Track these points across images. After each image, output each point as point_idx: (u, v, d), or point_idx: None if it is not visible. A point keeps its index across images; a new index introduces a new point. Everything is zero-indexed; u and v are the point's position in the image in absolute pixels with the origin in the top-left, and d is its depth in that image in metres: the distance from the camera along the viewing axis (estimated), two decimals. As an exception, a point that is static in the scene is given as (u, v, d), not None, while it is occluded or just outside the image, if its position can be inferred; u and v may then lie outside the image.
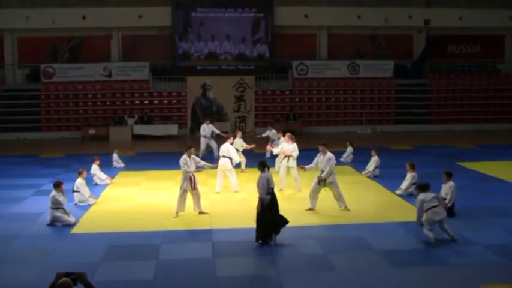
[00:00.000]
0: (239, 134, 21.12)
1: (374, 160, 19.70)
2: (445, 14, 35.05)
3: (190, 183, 14.46)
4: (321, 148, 15.12)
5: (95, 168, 18.69)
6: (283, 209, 15.04)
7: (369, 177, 19.35)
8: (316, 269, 10.79)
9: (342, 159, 21.92)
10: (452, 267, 10.76)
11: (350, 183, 18.28)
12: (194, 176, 14.60)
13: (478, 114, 34.88)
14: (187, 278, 10.49)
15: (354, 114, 34.71)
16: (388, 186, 17.54)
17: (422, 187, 12.59)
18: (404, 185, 16.68)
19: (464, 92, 35.60)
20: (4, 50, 34.05)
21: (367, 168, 19.88)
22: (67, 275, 8.71)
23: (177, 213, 14.50)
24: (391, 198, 16.44)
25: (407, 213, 14.53)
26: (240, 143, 20.50)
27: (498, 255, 11.29)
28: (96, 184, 18.41)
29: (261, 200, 12.27)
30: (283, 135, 18.84)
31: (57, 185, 14.07)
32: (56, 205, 13.81)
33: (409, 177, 16.59)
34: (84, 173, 16.47)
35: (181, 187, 14.58)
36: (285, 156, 17.45)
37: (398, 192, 16.67)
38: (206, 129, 24.20)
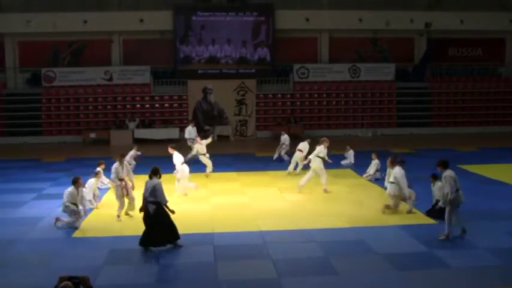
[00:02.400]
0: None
1: (375, 163, 19.76)
2: (446, 17, 35.05)
3: (124, 191, 14.80)
4: (389, 163, 15.36)
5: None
6: (287, 213, 15.04)
7: (370, 180, 19.35)
8: (318, 273, 10.77)
9: (343, 163, 21.94)
10: (453, 270, 10.75)
11: (351, 187, 18.32)
12: (126, 183, 14.91)
13: (479, 117, 34.86)
14: (189, 282, 10.48)
15: (355, 117, 34.70)
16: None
17: (446, 163, 12.51)
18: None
19: (465, 95, 35.60)
20: (5, 54, 34.08)
21: (368, 171, 19.90)
22: (70, 278, 8.73)
23: (118, 217, 14.66)
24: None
25: (409, 216, 14.54)
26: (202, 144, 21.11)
27: (500, 258, 11.26)
28: (99, 188, 18.39)
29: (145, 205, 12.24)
30: None
31: (75, 181, 14.33)
32: (71, 200, 14.02)
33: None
34: (100, 175, 17.20)
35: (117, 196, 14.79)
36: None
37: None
38: (192, 132, 23.99)
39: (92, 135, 31.70)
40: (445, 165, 12.44)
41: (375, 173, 19.63)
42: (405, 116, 34.63)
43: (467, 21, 35.02)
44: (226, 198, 16.94)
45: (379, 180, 19.15)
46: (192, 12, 34.15)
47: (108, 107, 33.56)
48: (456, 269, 10.80)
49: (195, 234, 13.23)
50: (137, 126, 32.21)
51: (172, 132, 32.18)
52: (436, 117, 35.09)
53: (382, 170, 19.34)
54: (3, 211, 15.65)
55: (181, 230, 13.48)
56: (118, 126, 32.10)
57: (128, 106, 33.71)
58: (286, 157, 22.83)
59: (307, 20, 34.34)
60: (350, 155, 22.66)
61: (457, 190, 12.29)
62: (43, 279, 10.28)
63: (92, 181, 16.32)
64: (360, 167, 21.10)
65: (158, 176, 12.57)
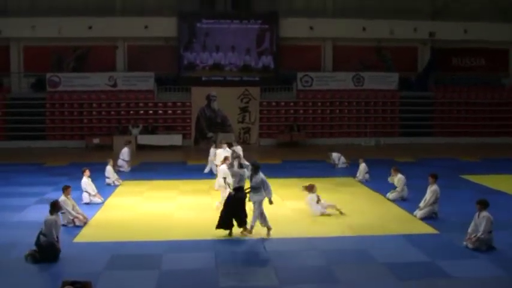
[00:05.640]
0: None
1: (363, 167, 20.95)
2: (450, 27, 35.13)
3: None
4: (430, 180, 15.49)
5: (108, 170, 20.19)
6: (288, 221, 14.99)
7: (360, 182, 20.52)
8: (319, 281, 10.75)
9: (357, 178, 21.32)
10: (455, 280, 10.71)
11: (354, 195, 18.32)
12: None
13: (481, 127, 34.86)
14: (189, 288, 10.48)
15: (358, 126, 34.74)
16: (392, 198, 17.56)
17: (487, 204, 12.63)
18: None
19: (468, 105, 35.59)
20: (10, 58, 34.22)
21: (357, 176, 20.96)
22: (73, 283, 8.76)
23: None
24: (395, 210, 16.42)
25: (411, 225, 14.55)
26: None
27: (502, 268, 11.24)
28: (109, 185, 19.78)
29: None
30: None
31: (64, 189, 14.66)
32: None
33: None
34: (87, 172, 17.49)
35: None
36: None
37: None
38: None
39: (95, 140, 31.76)
40: (485, 205, 12.61)
41: (364, 176, 20.82)
42: (408, 125, 34.63)
43: (471, 32, 35.10)
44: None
45: (369, 182, 20.36)
46: (197, 19, 34.25)
47: (112, 112, 33.64)
48: (458, 279, 10.76)
49: (196, 241, 13.24)
50: (140, 133, 32.26)
51: (176, 139, 32.26)
52: (438, 126, 35.09)
53: (384, 178, 19.45)
54: (5, 214, 15.68)
55: (183, 236, 13.54)
56: (121, 132, 32.13)
57: (131, 112, 33.78)
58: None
59: (311, 28, 34.45)
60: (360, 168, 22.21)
61: (491, 231, 12.39)
62: (44, 283, 10.29)
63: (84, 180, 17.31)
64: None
65: (54, 210, 12.22)
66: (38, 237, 11.85)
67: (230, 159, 16.95)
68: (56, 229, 11.89)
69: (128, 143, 24.10)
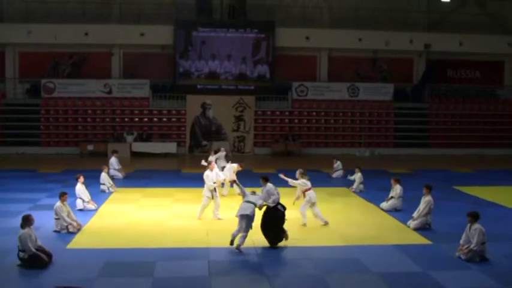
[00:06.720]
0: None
1: (358, 177, 21.08)
2: (446, 38, 35.32)
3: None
4: (424, 190, 15.51)
5: (103, 177, 20.14)
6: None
7: (354, 192, 20.64)
8: (312, 290, 10.76)
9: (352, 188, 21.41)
10: (448, 291, 10.75)
11: (347, 205, 18.33)
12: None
13: (476, 138, 34.93)
14: (182, 296, 10.45)
15: (352, 136, 34.79)
16: (386, 209, 17.57)
17: (478, 216, 12.70)
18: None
19: (463, 116, 35.71)
20: (5, 64, 34.18)
21: (353, 185, 21.11)
22: (65, 289, 8.76)
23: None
24: (389, 220, 16.44)
25: (405, 236, 14.57)
26: None
27: (494, 279, 11.26)
28: (103, 191, 19.79)
29: None
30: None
31: (61, 195, 14.72)
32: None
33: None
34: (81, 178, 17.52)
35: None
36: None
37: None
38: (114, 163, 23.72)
39: (90, 147, 31.68)
40: (476, 218, 12.66)
41: (358, 186, 20.93)
42: (403, 136, 34.71)
43: (466, 44, 35.32)
44: (223, 214, 16.87)
45: (363, 192, 20.51)
46: (193, 28, 34.27)
47: (107, 119, 33.59)
48: (450, 290, 10.80)
49: (190, 249, 13.23)
50: (135, 140, 32.23)
51: (170, 147, 32.24)
52: (433, 138, 35.18)
53: (379, 189, 19.50)
54: (-1, 220, 15.64)
55: (176, 244, 13.53)
56: (116, 139, 32.09)
57: (126, 119, 33.74)
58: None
59: (307, 38, 34.53)
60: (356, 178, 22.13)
61: (484, 243, 12.44)
62: (37, 289, 10.27)
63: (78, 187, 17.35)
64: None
65: (26, 224, 12.09)
66: (18, 254, 11.80)
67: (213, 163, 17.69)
68: (31, 241, 11.76)
69: (114, 152, 24.08)
